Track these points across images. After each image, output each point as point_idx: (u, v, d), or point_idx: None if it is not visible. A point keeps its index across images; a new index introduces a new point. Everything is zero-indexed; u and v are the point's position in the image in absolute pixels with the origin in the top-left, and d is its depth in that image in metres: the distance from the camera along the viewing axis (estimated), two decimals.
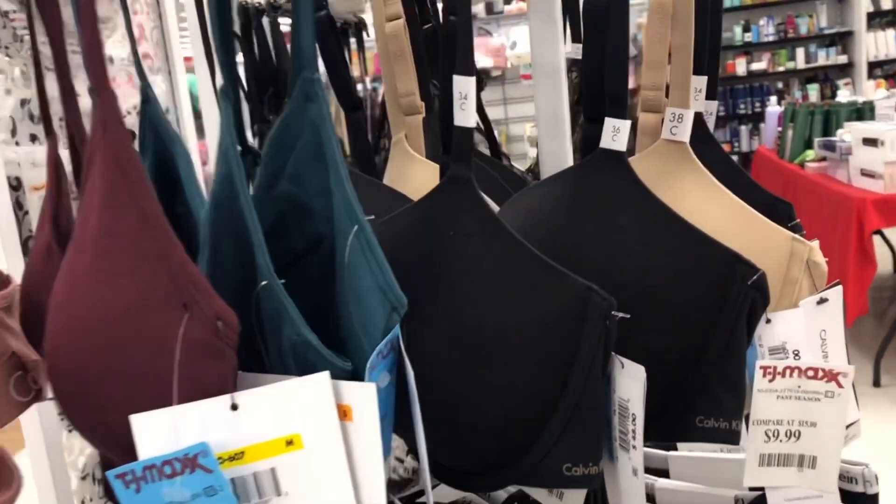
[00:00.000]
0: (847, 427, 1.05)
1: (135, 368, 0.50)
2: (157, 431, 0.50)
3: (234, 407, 0.51)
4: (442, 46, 0.68)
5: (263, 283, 0.53)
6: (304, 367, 0.54)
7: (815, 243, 0.81)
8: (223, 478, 0.49)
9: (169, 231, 0.50)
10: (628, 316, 0.65)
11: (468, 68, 0.61)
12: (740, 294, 0.71)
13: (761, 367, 0.73)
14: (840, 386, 0.73)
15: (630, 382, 0.64)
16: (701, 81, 0.89)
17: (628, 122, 0.74)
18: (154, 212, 0.49)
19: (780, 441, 0.75)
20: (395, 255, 0.66)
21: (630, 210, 0.72)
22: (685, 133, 0.81)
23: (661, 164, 0.81)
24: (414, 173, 0.95)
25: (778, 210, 0.91)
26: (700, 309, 0.72)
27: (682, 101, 0.81)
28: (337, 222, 0.56)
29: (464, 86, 0.61)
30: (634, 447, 0.63)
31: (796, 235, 0.81)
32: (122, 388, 0.50)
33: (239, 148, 0.58)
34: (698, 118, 0.90)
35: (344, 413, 0.52)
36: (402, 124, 0.98)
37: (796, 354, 0.75)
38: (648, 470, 1.01)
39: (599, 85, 0.74)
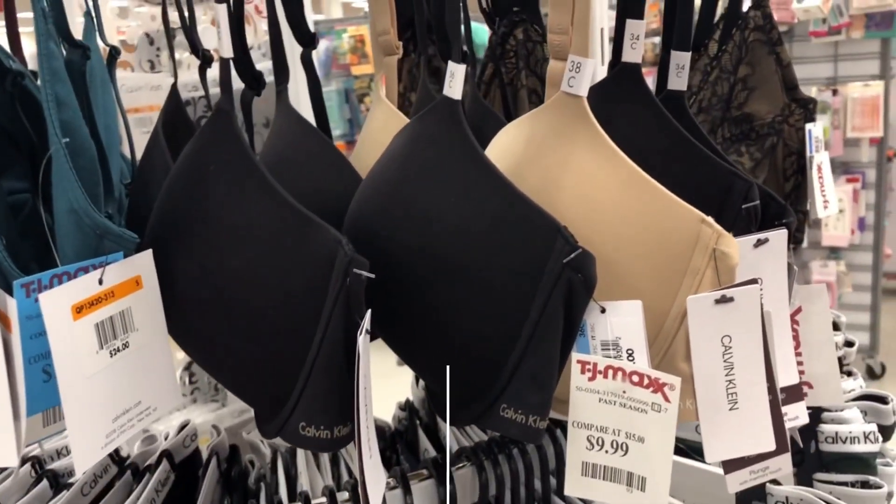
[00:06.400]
0: None
1: None
2: None
3: None
4: None
5: None
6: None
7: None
8: None
9: None
10: (373, 276, 0.59)
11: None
12: (554, 272, 0.61)
13: (578, 362, 0.62)
14: (667, 399, 0.60)
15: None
16: (639, 26, 0.76)
17: (463, 67, 0.66)
18: None
19: (606, 452, 0.64)
20: (173, 183, 0.66)
21: (454, 165, 0.65)
22: (583, 86, 0.70)
23: (555, 120, 0.71)
24: (375, 114, 0.93)
25: (734, 187, 0.76)
26: (514, 286, 0.62)
27: (581, 48, 0.70)
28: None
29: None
30: (359, 420, 0.57)
31: (706, 217, 0.67)
32: None
33: None
34: (632, 70, 0.77)
35: (6, 322, 0.55)
36: (381, 64, 0.96)
37: (630, 355, 0.62)
38: None
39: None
